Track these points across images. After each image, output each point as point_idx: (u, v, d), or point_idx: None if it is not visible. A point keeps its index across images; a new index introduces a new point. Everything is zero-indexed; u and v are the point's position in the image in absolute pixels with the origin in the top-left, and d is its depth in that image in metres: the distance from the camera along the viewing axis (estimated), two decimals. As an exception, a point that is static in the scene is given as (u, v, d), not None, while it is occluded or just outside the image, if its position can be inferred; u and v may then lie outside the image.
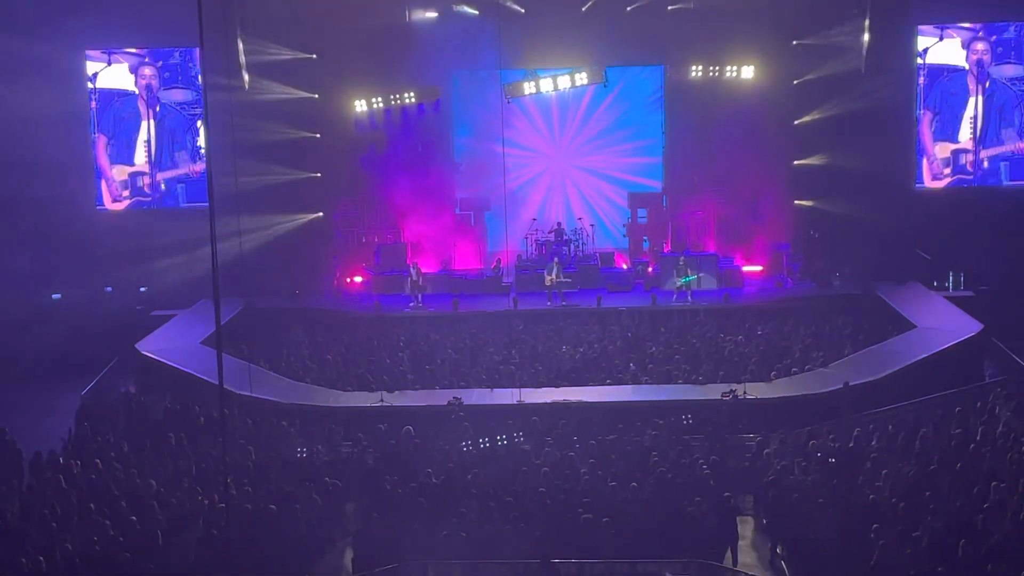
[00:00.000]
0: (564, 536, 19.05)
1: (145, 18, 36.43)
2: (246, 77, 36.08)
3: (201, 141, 38.02)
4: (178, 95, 38.59)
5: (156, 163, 38.51)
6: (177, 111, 38.60)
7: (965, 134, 37.52)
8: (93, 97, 38.23)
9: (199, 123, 38.14)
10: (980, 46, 37.21)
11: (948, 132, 37.62)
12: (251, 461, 22.53)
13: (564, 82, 36.93)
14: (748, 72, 36.71)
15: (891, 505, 19.19)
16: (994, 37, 37.28)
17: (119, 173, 38.55)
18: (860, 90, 35.76)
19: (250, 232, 32.04)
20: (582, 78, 36.86)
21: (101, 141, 38.45)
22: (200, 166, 38.06)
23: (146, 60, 38.36)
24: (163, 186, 38.62)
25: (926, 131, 37.57)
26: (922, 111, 37.50)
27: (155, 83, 38.47)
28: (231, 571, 17.89)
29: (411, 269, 35.22)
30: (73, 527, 19.42)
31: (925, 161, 37.56)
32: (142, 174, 38.69)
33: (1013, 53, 37.35)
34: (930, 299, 33.20)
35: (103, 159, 38.47)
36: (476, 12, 36.47)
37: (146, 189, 38.69)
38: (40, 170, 35.12)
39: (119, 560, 17.97)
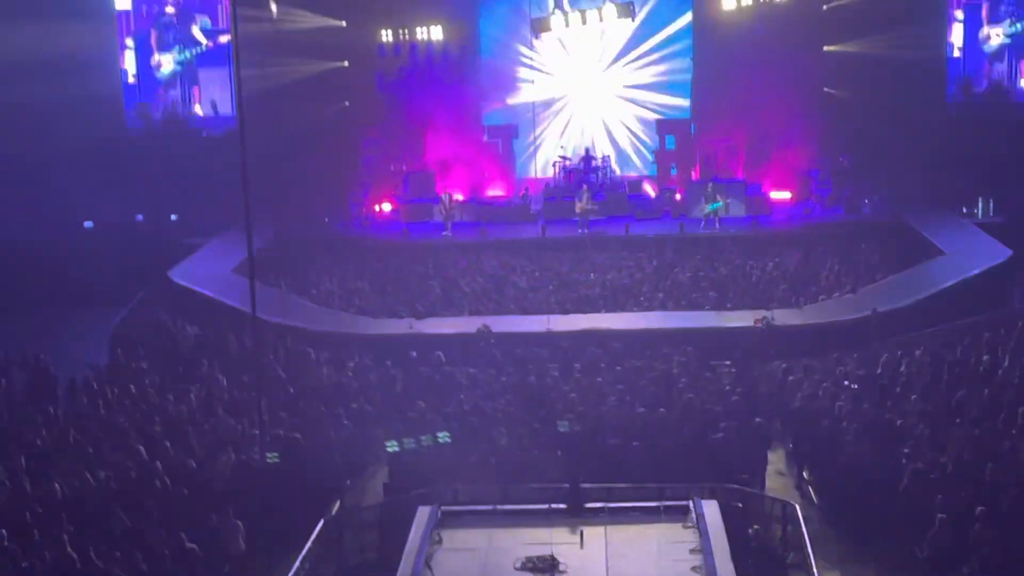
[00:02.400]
0: (592, 460, 19.18)
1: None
2: (274, 8, 35.93)
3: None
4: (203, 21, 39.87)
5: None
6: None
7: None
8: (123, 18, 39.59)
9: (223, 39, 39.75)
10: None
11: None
12: (283, 388, 22.77)
13: (592, 17, 36.44)
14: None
15: (919, 430, 19.25)
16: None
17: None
18: (892, 11, 35.17)
19: (279, 159, 32.14)
20: (611, 13, 36.38)
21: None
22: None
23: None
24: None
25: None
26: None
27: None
28: (265, 496, 18.16)
29: (442, 198, 35.23)
30: (108, 453, 19.68)
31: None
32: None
33: None
34: (960, 225, 33.05)
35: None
36: None
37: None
38: (71, 100, 35.29)
39: (154, 485, 18.22)
